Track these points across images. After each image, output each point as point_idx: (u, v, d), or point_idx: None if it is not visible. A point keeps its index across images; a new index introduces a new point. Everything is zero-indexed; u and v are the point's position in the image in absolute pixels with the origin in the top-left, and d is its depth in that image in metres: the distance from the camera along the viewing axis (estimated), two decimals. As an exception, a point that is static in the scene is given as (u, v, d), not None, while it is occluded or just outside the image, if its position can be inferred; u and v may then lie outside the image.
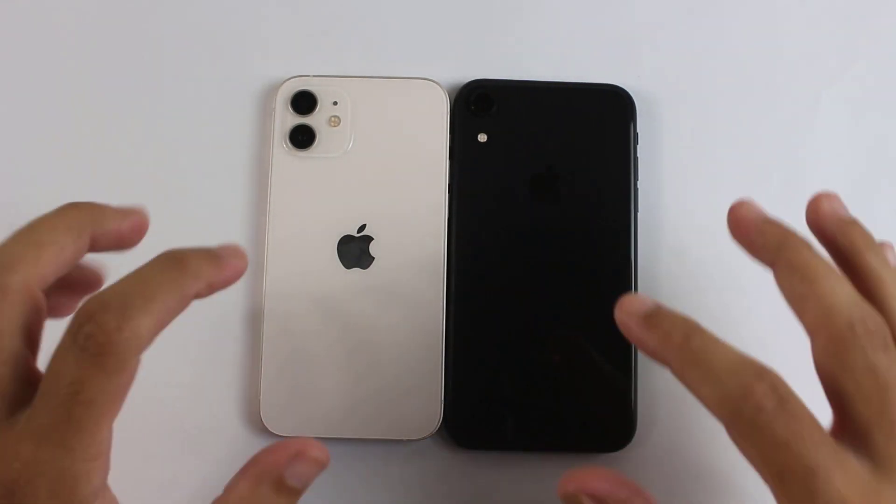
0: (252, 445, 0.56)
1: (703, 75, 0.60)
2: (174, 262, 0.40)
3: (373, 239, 0.57)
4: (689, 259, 0.58)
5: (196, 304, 0.57)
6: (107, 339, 0.36)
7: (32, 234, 0.41)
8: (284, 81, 0.58)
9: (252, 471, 0.40)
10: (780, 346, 0.56)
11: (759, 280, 0.58)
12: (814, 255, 0.41)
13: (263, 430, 0.55)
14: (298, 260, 0.56)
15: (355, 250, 0.57)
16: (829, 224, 0.44)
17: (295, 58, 0.60)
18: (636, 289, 0.56)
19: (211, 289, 0.41)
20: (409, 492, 0.56)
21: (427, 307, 0.56)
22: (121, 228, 0.43)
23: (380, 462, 0.56)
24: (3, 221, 0.58)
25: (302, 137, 0.57)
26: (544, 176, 0.57)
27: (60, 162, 0.59)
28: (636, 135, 0.58)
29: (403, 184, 0.57)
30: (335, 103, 0.58)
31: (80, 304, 0.37)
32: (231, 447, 0.56)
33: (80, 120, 0.59)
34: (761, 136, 0.59)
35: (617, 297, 0.55)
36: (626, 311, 0.43)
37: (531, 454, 0.56)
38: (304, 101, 0.58)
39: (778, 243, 0.43)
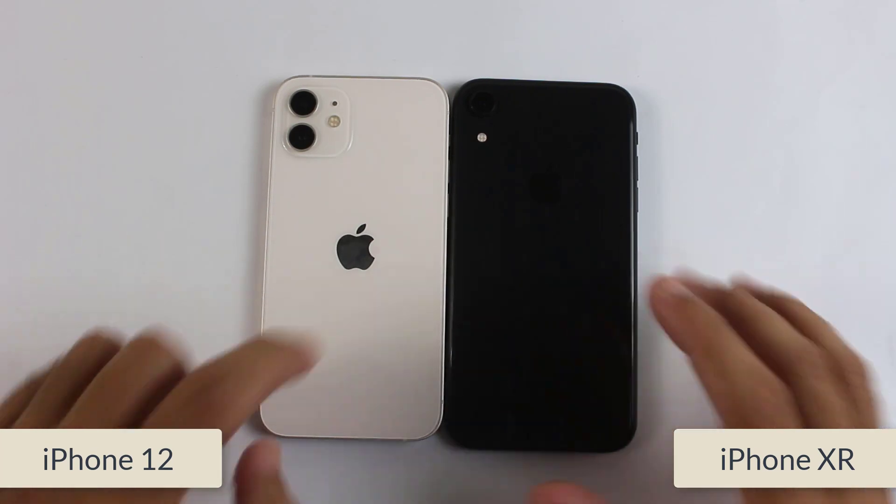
0: (252, 446, 0.56)
1: (702, 75, 0.60)
2: (273, 351, 0.44)
3: (372, 239, 0.57)
4: (689, 259, 0.58)
5: (195, 304, 0.58)
6: (225, 404, 0.40)
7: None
8: (284, 81, 0.58)
9: (256, 480, 0.45)
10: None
11: (759, 280, 0.58)
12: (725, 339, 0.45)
13: (263, 431, 0.55)
14: (298, 260, 0.56)
15: (355, 250, 0.56)
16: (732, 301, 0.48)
17: (294, 58, 0.60)
18: (636, 289, 0.56)
19: (292, 378, 0.44)
20: (409, 492, 0.56)
21: (427, 307, 0.56)
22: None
23: (380, 462, 0.56)
24: (4, 220, 0.59)
25: (301, 137, 0.57)
26: (544, 176, 0.57)
27: (61, 162, 0.59)
28: (636, 134, 0.58)
29: (403, 184, 0.57)
30: (335, 103, 0.58)
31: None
32: (230, 447, 0.56)
33: (80, 120, 0.59)
34: (761, 136, 0.59)
35: (617, 296, 0.56)
36: (661, 286, 0.47)
37: (531, 454, 0.56)
38: (303, 102, 0.58)
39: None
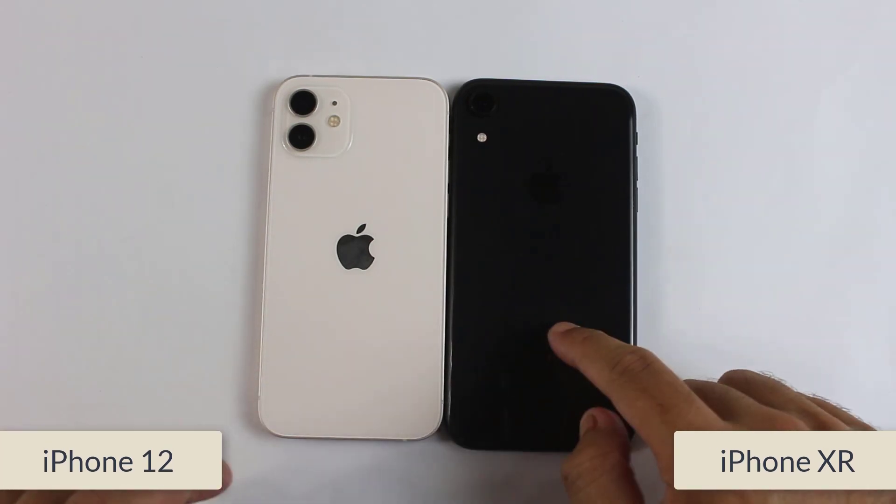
0: (251, 446, 0.56)
1: (702, 75, 0.60)
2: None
3: (372, 239, 0.56)
4: (689, 259, 0.58)
5: (195, 304, 0.58)
6: None
7: None
8: (284, 81, 0.58)
9: None
10: (779, 345, 0.57)
11: (759, 280, 0.58)
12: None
13: (262, 431, 0.55)
14: (298, 260, 0.56)
15: (355, 250, 0.56)
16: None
17: (294, 57, 0.60)
18: (636, 288, 0.56)
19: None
20: (409, 492, 0.56)
21: (427, 307, 0.56)
22: None
23: (380, 462, 0.56)
24: (3, 220, 0.59)
25: (301, 137, 0.57)
26: (544, 176, 0.57)
27: (61, 161, 0.59)
28: (636, 134, 0.58)
29: (403, 184, 0.57)
30: (334, 103, 0.58)
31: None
32: (230, 448, 0.56)
33: (80, 119, 0.59)
34: (761, 136, 0.59)
35: (617, 296, 0.56)
36: (552, 331, 0.55)
37: (531, 454, 0.56)
38: (303, 101, 0.58)
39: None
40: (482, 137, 0.58)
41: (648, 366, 0.46)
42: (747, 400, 0.44)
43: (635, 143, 0.57)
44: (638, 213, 0.57)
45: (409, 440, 0.55)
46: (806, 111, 0.60)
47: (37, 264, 0.58)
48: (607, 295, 0.56)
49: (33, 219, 0.58)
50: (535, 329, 0.56)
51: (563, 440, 0.55)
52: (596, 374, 0.49)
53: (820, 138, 0.60)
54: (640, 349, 0.47)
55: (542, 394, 0.55)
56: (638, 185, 0.57)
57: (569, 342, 0.53)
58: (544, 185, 0.57)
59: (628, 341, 0.55)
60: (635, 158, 0.57)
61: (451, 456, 0.56)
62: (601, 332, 0.52)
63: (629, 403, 0.45)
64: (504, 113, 0.58)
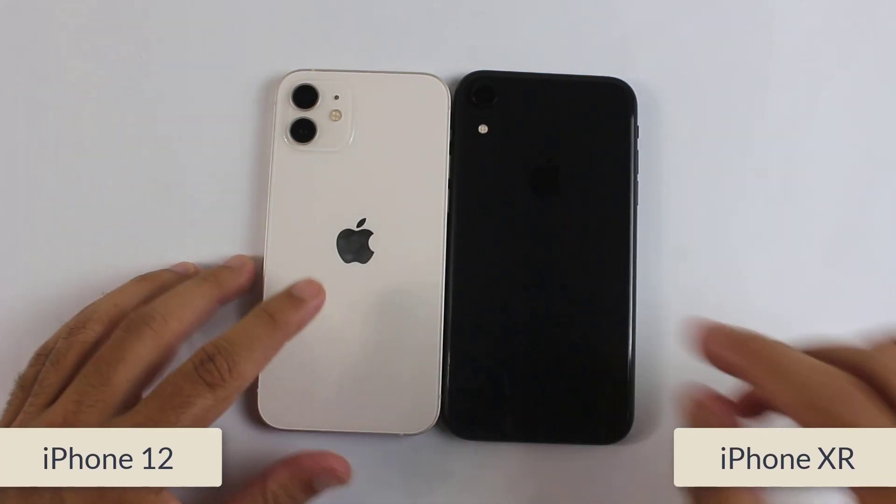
0: (250, 439, 0.56)
1: (703, 69, 0.60)
2: (268, 319, 0.49)
3: (372, 233, 0.56)
4: (689, 256, 0.58)
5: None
6: (219, 377, 0.45)
7: (180, 297, 0.51)
8: (286, 75, 0.58)
9: (293, 466, 0.51)
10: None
11: (759, 278, 0.58)
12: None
13: (261, 424, 0.55)
14: (298, 253, 0.56)
15: (355, 244, 0.56)
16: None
17: (296, 52, 0.59)
18: (635, 281, 0.56)
19: (298, 330, 0.50)
20: (407, 485, 0.56)
21: (426, 301, 0.56)
22: (239, 286, 0.55)
23: (378, 456, 0.56)
24: (3, 218, 0.59)
25: (303, 131, 0.57)
26: (544, 168, 0.57)
27: (62, 157, 0.59)
28: (636, 128, 0.58)
29: (404, 178, 0.57)
30: (336, 97, 0.58)
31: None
32: (229, 441, 0.56)
33: (82, 114, 0.59)
34: (761, 132, 0.59)
35: (616, 291, 0.56)
36: (706, 332, 0.45)
37: (529, 446, 0.56)
38: (305, 95, 0.58)
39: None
40: (483, 129, 0.57)
41: (843, 399, 0.40)
42: None
43: (636, 136, 0.57)
44: (638, 206, 0.57)
45: (407, 434, 0.55)
46: (805, 108, 0.60)
47: (36, 262, 0.58)
48: (607, 288, 0.56)
49: (33, 218, 0.58)
50: (533, 322, 0.56)
51: (561, 433, 0.56)
52: (780, 397, 0.41)
53: (819, 135, 0.60)
54: (834, 374, 0.41)
55: (540, 386, 0.56)
56: (638, 179, 0.57)
57: (747, 353, 0.44)
58: (545, 177, 0.57)
59: (627, 335, 0.56)
60: (636, 152, 0.57)
61: (449, 449, 0.56)
62: (781, 343, 0.43)
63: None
64: (505, 105, 0.58)
